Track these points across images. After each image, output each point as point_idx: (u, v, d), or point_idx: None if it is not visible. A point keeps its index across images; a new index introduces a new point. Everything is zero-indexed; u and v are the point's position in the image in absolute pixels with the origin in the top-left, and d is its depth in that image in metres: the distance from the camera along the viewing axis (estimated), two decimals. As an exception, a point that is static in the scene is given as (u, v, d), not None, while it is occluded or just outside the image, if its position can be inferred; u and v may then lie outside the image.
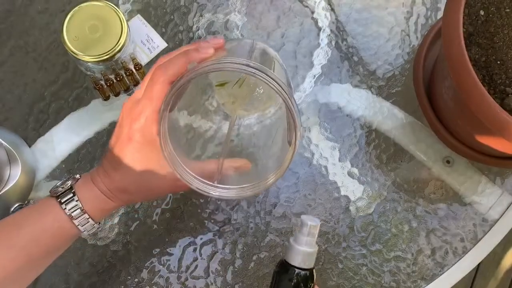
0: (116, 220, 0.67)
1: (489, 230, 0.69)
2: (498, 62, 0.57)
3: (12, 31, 0.71)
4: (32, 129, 0.69)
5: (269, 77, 0.41)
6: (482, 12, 0.59)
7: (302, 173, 0.69)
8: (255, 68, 0.41)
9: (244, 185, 0.47)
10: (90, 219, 0.49)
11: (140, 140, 0.47)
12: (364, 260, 0.68)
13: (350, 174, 0.69)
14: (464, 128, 0.64)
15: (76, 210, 0.49)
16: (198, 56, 0.45)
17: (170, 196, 0.68)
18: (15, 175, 0.63)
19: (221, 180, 0.48)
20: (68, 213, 0.48)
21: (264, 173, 0.46)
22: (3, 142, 0.63)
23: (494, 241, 0.69)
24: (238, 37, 0.72)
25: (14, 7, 0.72)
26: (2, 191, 0.62)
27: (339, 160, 0.70)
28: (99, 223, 0.51)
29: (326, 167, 0.69)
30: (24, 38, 0.71)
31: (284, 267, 0.51)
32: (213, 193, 0.47)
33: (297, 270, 0.50)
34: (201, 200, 0.68)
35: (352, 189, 0.69)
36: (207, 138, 0.53)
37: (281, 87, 0.41)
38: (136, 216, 0.67)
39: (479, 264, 0.69)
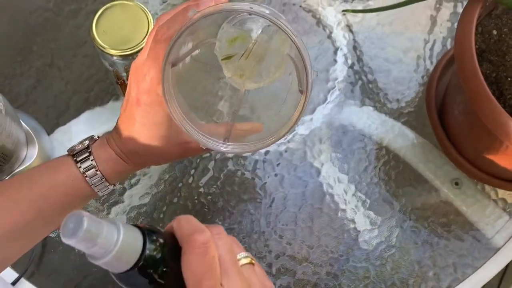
0: (124, 214, 0.68)
1: (494, 255, 0.68)
2: (509, 79, 0.59)
3: (44, 27, 0.75)
4: (53, 119, 0.71)
5: (274, 18, 0.40)
6: (495, 32, 0.61)
7: (311, 182, 0.70)
8: (258, 11, 0.40)
9: (254, 140, 0.46)
10: (104, 180, 0.50)
11: (148, 102, 0.47)
12: (367, 273, 0.67)
13: (358, 188, 0.70)
14: (473, 146, 0.65)
15: (90, 169, 0.49)
16: (199, 9, 0.44)
17: (179, 194, 0.69)
18: (31, 157, 0.65)
19: (230, 139, 0.47)
20: (82, 171, 0.49)
21: (275, 130, 0.46)
22: (24, 124, 0.66)
23: (499, 266, 0.68)
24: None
25: (49, 5, 0.76)
26: (17, 170, 0.64)
27: (348, 173, 0.71)
28: (114, 185, 0.52)
29: (335, 179, 0.70)
30: (55, 34, 0.75)
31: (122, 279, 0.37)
32: (223, 149, 0.46)
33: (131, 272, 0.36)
34: (209, 197, 0.69)
35: (359, 202, 0.70)
36: (218, 102, 0.53)
37: (287, 27, 0.41)
38: (144, 209, 0.68)
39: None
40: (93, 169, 0.49)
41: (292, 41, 0.42)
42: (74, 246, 0.32)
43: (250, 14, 0.44)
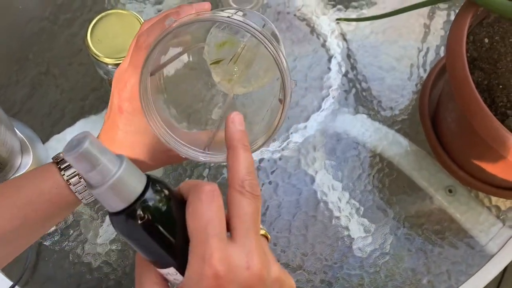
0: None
1: (488, 262, 0.68)
2: (500, 87, 0.59)
3: (40, 36, 0.75)
4: (48, 127, 0.71)
5: (251, 27, 0.40)
6: (486, 40, 0.61)
7: (305, 190, 0.70)
8: (238, 20, 0.40)
9: None
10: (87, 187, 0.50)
11: (130, 109, 0.47)
12: (361, 281, 0.67)
13: (352, 195, 0.70)
14: (466, 153, 0.65)
15: (74, 176, 0.48)
16: (179, 17, 0.44)
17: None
18: (26, 165, 0.65)
19: (211, 148, 0.47)
20: (66, 179, 0.48)
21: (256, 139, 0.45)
22: (18, 133, 0.66)
23: (493, 273, 0.68)
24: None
25: (45, 14, 0.76)
26: (11, 178, 0.64)
27: (342, 181, 0.71)
28: None
29: (329, 186, 0.70)
30: (50, 43, 0.75)
31: (118, 218, 0.34)
32: (202, 158, 0.46)
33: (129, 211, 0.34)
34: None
35: (353, 210, 0.70)
36: (205, 109, 0.53)
37: (264, 37, 0.40)
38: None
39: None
40: (77, 176, 0.48)
41: (268, 50, 0.41)
42: (73, 165, 0.32)
43: (228, 24, 0.44)
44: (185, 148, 0.46)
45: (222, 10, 0.44)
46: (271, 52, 0.41)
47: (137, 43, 0.46)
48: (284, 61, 0.42)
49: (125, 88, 0.47)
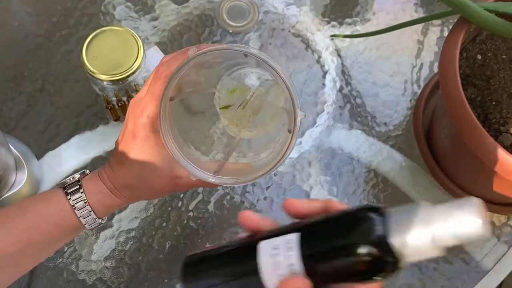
0: (113, 239, 0.68)
1: (483, 278, 0.68)
2: (493, 103, 0.60)
3: (36, 52, 0.76)
4: (43, 143, 0.71)
5: (266, 59, 0.43)
6: (479, 57, 0.62)
7: (300, 206, 0.70)
8: (256, 53, 0.44)
9: (244, 174, 0.48)
10: (92, 213, 0.50)
11: (143, 136, 0.48)
12: (356, 297, 0.67)
13: (347, 211, 0.70)
14: (460, 168, 0.66)
15: (79, 201, 0.50)
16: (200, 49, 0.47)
17: (169, 218, 0.69)
18: (20, 182, 0.65)
19: (220, 174, 0.49)
20: (71, 204, 0.50)
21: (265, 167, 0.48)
22: (13, 149, 0.66)
23: (488, 288, 0.68)
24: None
25: (40, 31, 0.77)
26: (5, 196, 0.64)
27: (337, 196, 0.71)
28: (102, 219, 0.52)
29: (323, 202, 0.70)
30: (46, 60, 0.75)
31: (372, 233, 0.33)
32: (212, 180, 0.48)
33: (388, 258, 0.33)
34: (198, 221, 0.69)
35: (348, 226, 0.70)
36: (214, 144, 0.55)
37: (278, 69, 0.44)
38: (133, 234, 0.68)
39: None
40: (82, 201, 0.50)
41: (280, 76, 0.44)
42: None
43: (245, 55, 0.46)
44: (196, 170, 0.48)
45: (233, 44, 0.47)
46: (283, 78, 0.45)
47: (156, 73, 0.48)
48: (297, 95, 0.45)
49: (141, 115, 0.48)
